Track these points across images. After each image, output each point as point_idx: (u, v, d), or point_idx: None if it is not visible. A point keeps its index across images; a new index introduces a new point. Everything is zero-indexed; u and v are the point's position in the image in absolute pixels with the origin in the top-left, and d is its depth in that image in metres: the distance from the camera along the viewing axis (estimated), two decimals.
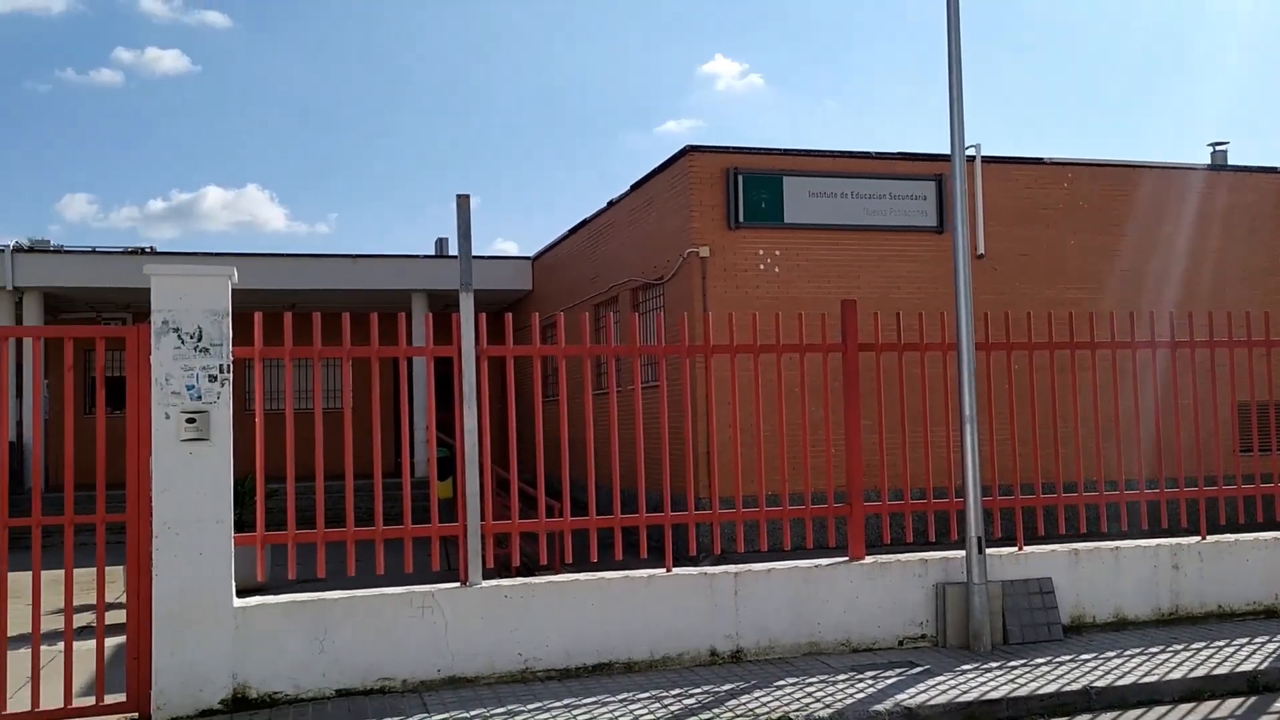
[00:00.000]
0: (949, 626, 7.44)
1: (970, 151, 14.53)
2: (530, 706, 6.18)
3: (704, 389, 8.10)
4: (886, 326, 8.21)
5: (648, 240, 16.21)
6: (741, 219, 14.62)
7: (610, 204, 17.83)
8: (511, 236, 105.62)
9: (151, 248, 20.99)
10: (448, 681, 6.64)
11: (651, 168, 15.98)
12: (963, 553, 7.48)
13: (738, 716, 5.95)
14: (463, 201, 6.82)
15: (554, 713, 6.07)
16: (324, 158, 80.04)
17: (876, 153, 15.31)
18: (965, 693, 6.31)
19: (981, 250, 14.90)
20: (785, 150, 15.04)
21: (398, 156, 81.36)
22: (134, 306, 20.98)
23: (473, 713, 6.07)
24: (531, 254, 22.30)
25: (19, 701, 6.20)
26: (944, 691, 6.33)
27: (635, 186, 16.69)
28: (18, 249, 18.88)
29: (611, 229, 17.93)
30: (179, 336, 6.25)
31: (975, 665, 6.94)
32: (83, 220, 75.01)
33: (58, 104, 72.05)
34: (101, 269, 19.41)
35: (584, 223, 19.13)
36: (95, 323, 21.22)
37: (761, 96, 78.98)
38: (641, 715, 6.01)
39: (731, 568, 7.40)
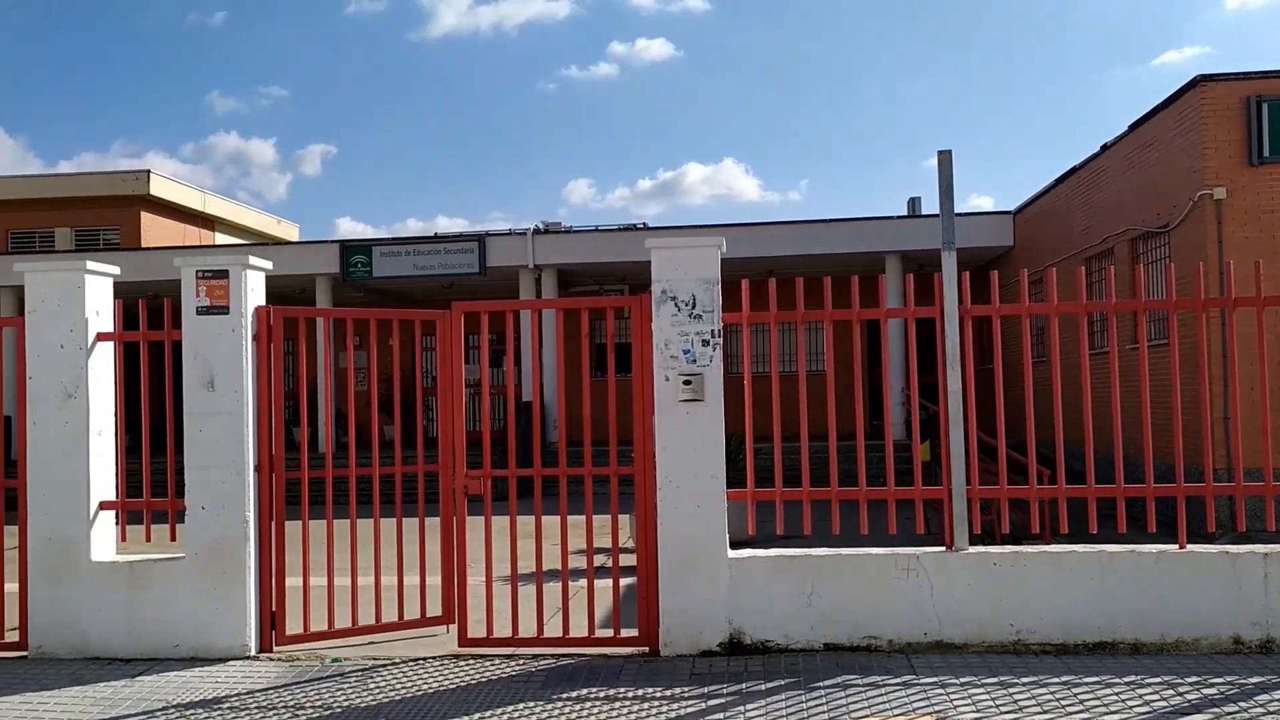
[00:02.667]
0: None
1: None
2: (1024, 680, 5.93)
3: (1222, 347, 7.18)
4: None
5: (1149, 185, 14.71)
6: (1267, 153, 12.76)
7: (1104, 148, 16.39)
8: (988, 190, 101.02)
9: (644, 224, 22.81)
10: (934, 646, 6.57)
11: (1152, 104, 14.45)
12: None
13: (1270, 714, 5.26)
14: (944, 158, 6.62)
15: (1052, 688, 5.77)
16: (794, 128, 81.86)
17: None
18: None
19: None
20: None
21: (864, 120, 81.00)
22: (630, 279, 22.98)
23: (962, 679, 5.95)
24: (1011, 208, 21.17)
25: (552, 627, 7.10)
26: None
27: (1133, 127, 15.19)
28: (537, 231, 21.48)
29: (1104, 176, 16.49)
30: (675, 304, 6.72)
31: None
32: (583, 202, 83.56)
33: (563, 100, 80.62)
34: (603, 246, 21.48)
35: (1071, 171, 17.79)
36: (598, 294, 23.55)
37: None
38: (1153, 700, 5.52)
39: (1260, 548, 6.54)
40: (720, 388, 6.73)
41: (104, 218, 29.52)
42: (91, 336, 7.16)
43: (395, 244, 21.11)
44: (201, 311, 7.05)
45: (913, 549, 6.78)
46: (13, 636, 7.36)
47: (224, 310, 7.04)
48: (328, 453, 7.44)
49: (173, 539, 7.30)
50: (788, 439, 7.33)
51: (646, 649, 6.84)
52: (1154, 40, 75.33)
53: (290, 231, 37.96)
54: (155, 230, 29.83)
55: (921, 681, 5.99)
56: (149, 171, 29.92)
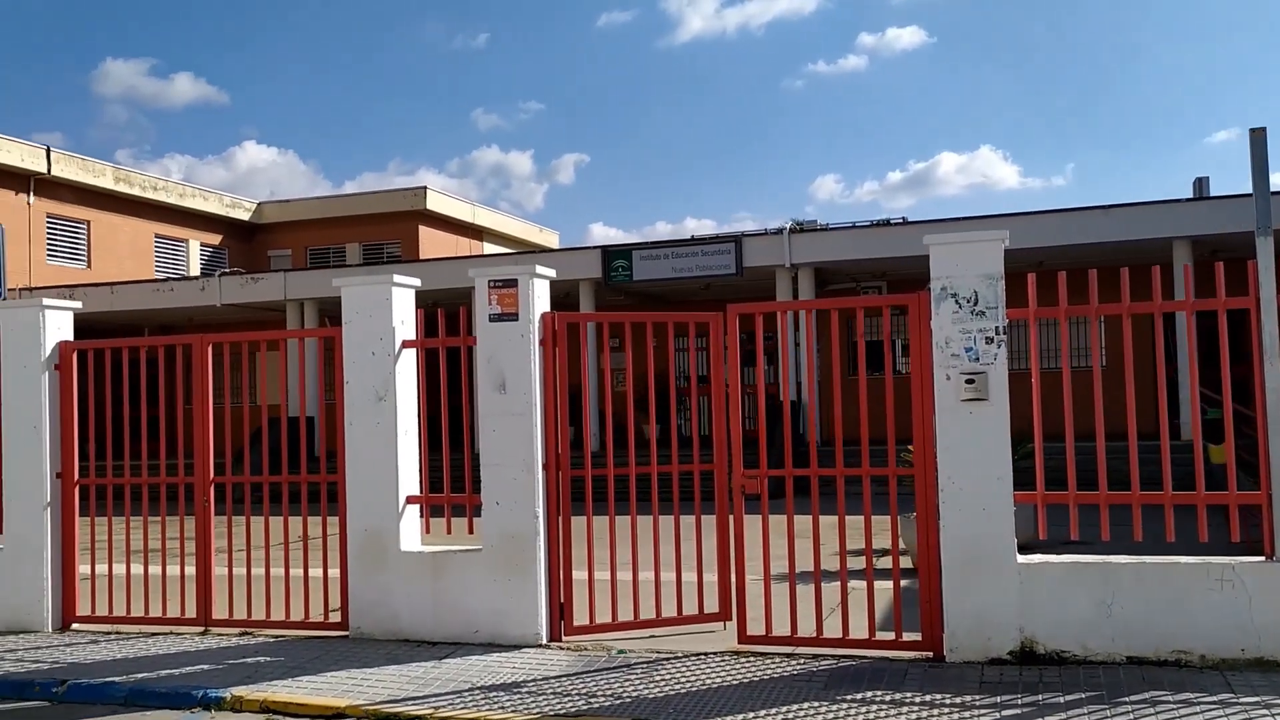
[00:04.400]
0: None
1: None
2: None
3: None
4: None
5: None
6: None
7: None
8: None
9: (904, 218, 22.28)
10: (1253, 663, 6.06)
11: None
12: None
13: None
14: (1258, 136, 6.09)
15: None
16: (1057, 110, 77.49)
17: None
18: None
19: None
20: None
21: (1133, 97, 75.54)
22: (889, 275, 22.47)
23: None
24: None
25: (830, 628, 7.07)
26: None
27: None
28: (793, 230, 21.41)
29: None
30: (956, 301, 6.54)
31: None
32: (830, 198, 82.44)
33: (810, 96, 79.95)
34: (860, 242, 21.14)
35: None
36: (855, 293, 23.18)
37: None
38: None
39: None
40: (1005, 386, 6.49)
41: (386, 232, 31.93)
42: (398, 344, 7.78)
43: (654, 247, 21.63)
44: (494, 319, 7.51)
45: (1227, 558, 6.28)
46: (334, 618, 8.11)
47: (514, 317, 7.47)
48: (609, 451, 7.74)
49: (470, 531, 7.81)
50: (1078, 439, 6.98)
51: (930, 654, 6.69)
52: None
53: (551, 239, 39.68)
54: (431, 242, 31.97)
55: (1242, 701, 5.54)
56: (425, 188, 32.12)
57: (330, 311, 23.96)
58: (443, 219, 32.91)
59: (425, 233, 32.05)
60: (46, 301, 8.59)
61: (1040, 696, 5.80)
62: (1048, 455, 6.66)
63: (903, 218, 22.23)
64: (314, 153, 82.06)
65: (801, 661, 6.76)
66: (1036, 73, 76.56)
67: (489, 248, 34.86)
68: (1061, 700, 5.72)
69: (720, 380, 7.65)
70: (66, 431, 8.55)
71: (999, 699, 5.80)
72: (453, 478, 8.13)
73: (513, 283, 7.48)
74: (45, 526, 8.45)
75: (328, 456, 9.25)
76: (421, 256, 30.19)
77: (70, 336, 8.76)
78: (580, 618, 7.64)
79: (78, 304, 8.97)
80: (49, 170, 26.45)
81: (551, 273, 7.78)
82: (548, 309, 7.68)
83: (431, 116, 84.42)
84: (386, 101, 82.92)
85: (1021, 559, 6.50)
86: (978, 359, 6.49)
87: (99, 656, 7.58)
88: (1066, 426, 6.59)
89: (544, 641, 7.43)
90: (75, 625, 8.55)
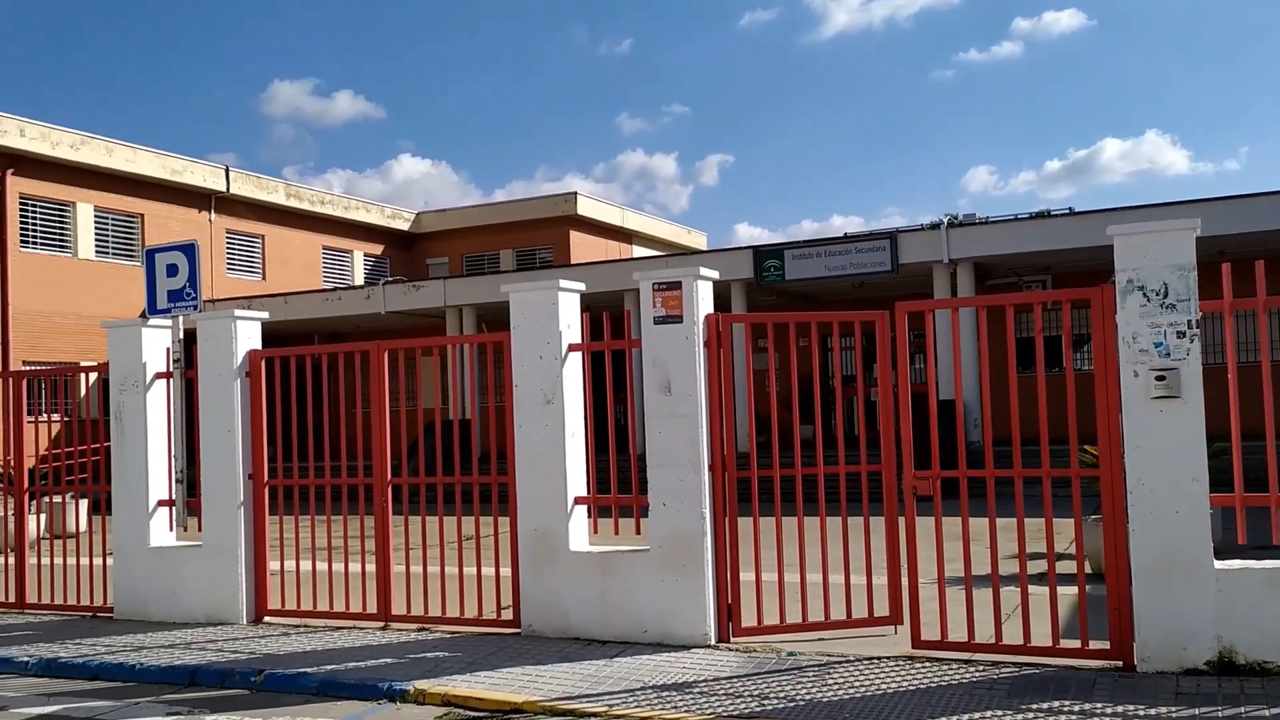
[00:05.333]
0: None
1: None
2: None
3: None
4: None
5: None
6: None
7: None
8: None
9: (1069, 209, 21.34)
10: None
11: None
12: None
13: None
14: None
15: None
16: (1229, 91, 73.10)
17: None
18: None
19: None
20: None
21: None
22: (1053, 268, 21.63)
23: None
24: None
25: (1009, 634, 6.84)
26: None
27: None
28: (950, 224, 20.84)
29: None
30: (1144, 294, 6.24)
31: None
32: (984, 190, 79.87)
33: (961, 86, 77.69)
34: (1021, 235, 20.39)
35: None
36: (1017, 287, 22.39)
37: None
38: None
39: None
40: (1199, 383, 6.16)
41: (539, 238, 32.60)
42: (564, 347, 7.93)
43: (807, 246, 21.41)
44: (658, 321, 7.57)
45: None
46: (505, 615, 8.32)
47: (678, 319, 7.51)
48: (774, 452, 7.69)
49: (637, 532, 7.89)
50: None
51: (1120, 663, 6.40)
52: None
53: (699, 240, 39.76)
54: (581, 247, 32.47)
55: None
56: (576, 193, 32.65)
57: (487, 317, 24.62)
58: (593, 223, 33.38)
59: (576, 237, 32.58)
60: (237, 313, 9.11)
61: (1243, 709, 5.48)
62: (1246, 455, 6.28)
63: (1068, 208, 21.33)
64: (465, 163, 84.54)
65: (981, 668, 6.57)
66: (1206, 52, 72.48)
67: (638, 251, 35.17)
68: (1267, 714, 5.39)
69: (887, 379, 7.51)
70: (256, 435, 9.04)
71: (1197, 711, 5.51)
72: (619, 479, 8.23)
73: (676, 285, 7.52)
74: (239, 525, 8.96)
75: (489, 458, 9.52)
76: (572, 261, 30.70)
77: (258, 345, 9.26)
78: (748, 619, 7.62)
79: (264, 314, 9.47)
80: (228, 189, 28.03)
81: (715, 274, 7.79)
82: (711, 310, 7.69)
83: (577, 123, 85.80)
84: (534, 110, 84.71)
85: (1219, 565, 6.15)
86: (1168, 354, 6.18)
87: (290, 648, 7.98)
88: (1266, 424, 6.20)
89: (712, 642, 7.44)
90: (267, 618, 9.02)
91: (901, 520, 7.23)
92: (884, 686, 6.30)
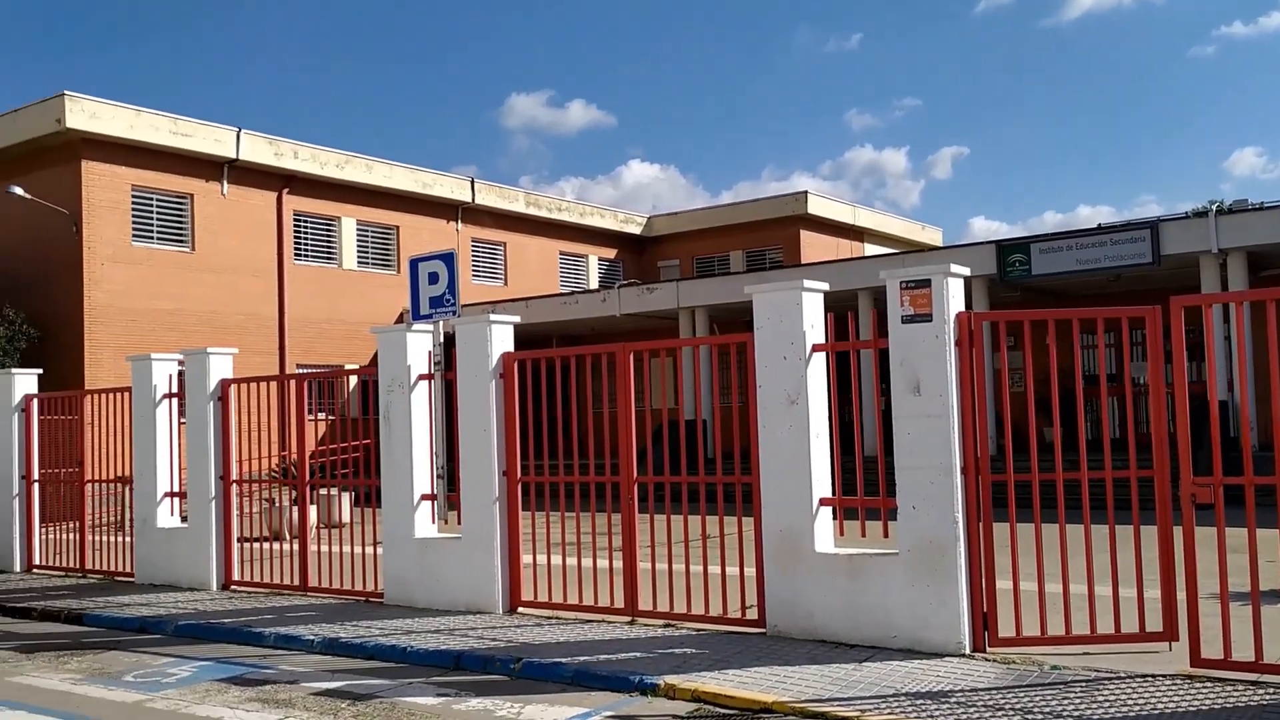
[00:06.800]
0: None
1: None
2: None
3: None
4: None
5: None
6: None
7: None
8: None
9: None
10: None
11: None
12: None
13: None
14: None
15: None
16: None
17: None
18: None
19: None
20: None
21: None
22: None
23: None
24: None
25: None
26: None
27: None
28: (1219, 211, 19.27)
29: None
30: None
31: None
32: (1251, 174, 73.39)
33: (1222, 63, 71.63)
34: None
35: None
36: None
37: None
38: None
39: None
40: None
41: (768, 239, 32.55)
42: (808, 348, 7.88)
43: (1055, 239, 20.34)
44: (906, 320, 7.39)
45: None
46: (749, 614, 8.35)
47: (927, 318, 7.31)
48: (1033, 455, 7.35)
49: (885, 535, 7.74)
50: None
51: None
52: None
53: (934, 236, 38.55)
54: (812, 246, 32.17)
55: None
56: (806, 193, 32.39)
57: (719, 318, 24.79)
58: (823, 222, 33.01)
59: (807, 236, 32.31)
60: (492, 317, 9.58)
61: None
62: None
63: None
64: (692, 166, 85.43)
65: (1271, 691, 6.04)
66: None
67: (869, 249, 34.48)
68: None
69: (1159, 379, 7.02)
70: (510, 433, 9.48)
71: None
72: (865, 480, 8.09)
73: (925, 283, 7.32)
74: (494, 519, 9.42)
75: (724, 458, 9.57)
76: (803, 260, 30.45)
77: (511, 348, 9.71)
78: (1005, 629, 7.31)
79: (516, 318, 9.91)
80: (473, 199, 29.53)
81: (965, 271, 7.54)
82: (962, 308, 7.44)
83: (804, 121, 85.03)
84: (759, 111, 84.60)
85: None
86: None
87: (544, 639, 8.32)
88: None
89: (967, 651, 7.19)
90: (520, 609, 9.44)
91: (1178, 530, 6.74)
92: (1160, 706, 5.89)
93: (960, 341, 7.33)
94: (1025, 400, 22.60)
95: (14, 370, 13.95)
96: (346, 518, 15.36)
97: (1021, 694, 6.26)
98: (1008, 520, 7.34)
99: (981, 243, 21.79)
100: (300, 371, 20.43)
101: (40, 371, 14.32)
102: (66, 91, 21.50)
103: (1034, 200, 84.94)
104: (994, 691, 6.34)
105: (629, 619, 8.84)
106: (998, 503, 7.50)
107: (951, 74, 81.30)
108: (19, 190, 20.93)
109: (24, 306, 21.52)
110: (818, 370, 7.96)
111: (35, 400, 13.72)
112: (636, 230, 34.65)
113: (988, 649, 7.23)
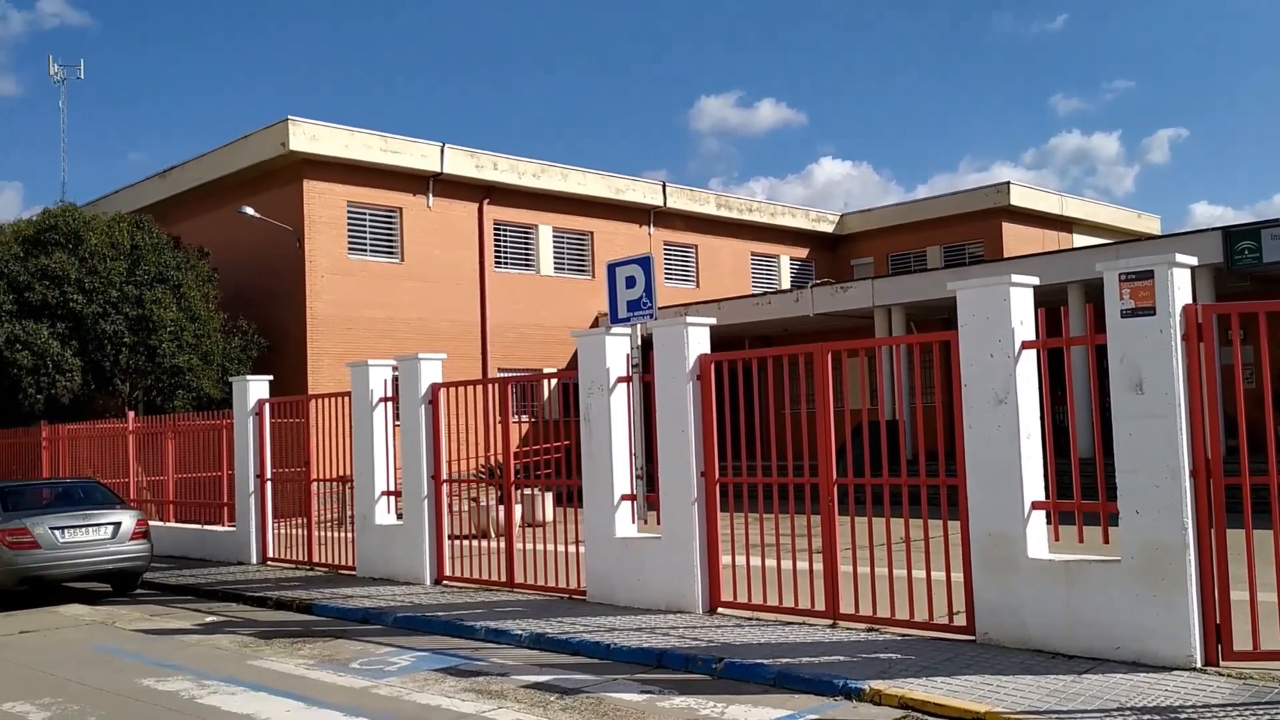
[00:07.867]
0: None
1: None
2: None
3: None
4: None
5: None
6: None
7: None
8: None
9: None
10: None
11: None
12: None
13: None
14: None
15: None
16: None
17: None
18: None
19: None
20: None
21: None
22: None
23: None
24: None
25: None
26: None
27: None
28: None
29: None
30: None
31: None
32: None
33: None
34: None
35: None
36: None
37: None
38: None
39: None
40: None
41: (968, 233, 31.46)
42: (1017, 345, 7.57)
43: None
44: (1126, 314, 6.99)
45: None
46: (956, 620, 8.09)
47: (1149, 311, 6.89)
48: (1271, 456, 6.80)
49: (1105, 541, 7.35)
50: None
51: None
52: None
53: (1151, 224, 36.32)
54: (1015, 238, 30.87)
55: None
56: (1009, 184, 31.12)
57: (916, 316, 24.13)
58: (1027, 213, 31.63)
59: (1009, 229, 31.04)
60: (689, 319, 9.66)
61: None
62: None
63: None
64: (886, 161, 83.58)
65: None
66: None
67: (1078, 240, 32.78)
68: None
69: None
70: (708, 434, 9.53)
71: None
72: (1083, 484, 7.70)
73: (1147, 275, 6.90)
74: (693, 520, 9.49)
75: (922, 459, 9.27)
76: (1005, 254, 29.27)
77: (707, 349, 9.76)
78: (1240, 643, 6.81)
79: (712, 320, 9.96)
80: (664, 203, 29.86)
81: (1193, 260, 7.07)
82: (1188, 300, 6.98)
83: (1004, 109, 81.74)
84: (956, 101, 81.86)
85: None
86: None
87: (745, 639, 8.32)
88: None
89: (1198, 665, 6.74)
90: (720, 609, 9.47)
91: None
92: None
93: (1187, 336, 6.88)
94: (1261, 397, 21.01)
95: (249, 377, 15.08)
96: (548, 516, 15.85)
97: (1261, 712, 5.82)
98: (1242, 526, 6.84)
99: (1206, 230, 20.36)
100: (503, 375, 21.19)
101: (271, 378, 15.43)
102: (290, 116, 23.08)
103: (1264, 183, 78.66)
104: (1229, 708, 5.92)
105: (830, 622, 8.73)
106: (1231, 508, 6.99)
107: (1168, 51, 76.41)
108: (250, 210, 22.58)
109: (255, 318, 23.21)
110: (1028, 368, 7.64)
111: (267, 404, 14.78)
112: (828, 229, 34.19)
113: (1221, 663, 6.76)
